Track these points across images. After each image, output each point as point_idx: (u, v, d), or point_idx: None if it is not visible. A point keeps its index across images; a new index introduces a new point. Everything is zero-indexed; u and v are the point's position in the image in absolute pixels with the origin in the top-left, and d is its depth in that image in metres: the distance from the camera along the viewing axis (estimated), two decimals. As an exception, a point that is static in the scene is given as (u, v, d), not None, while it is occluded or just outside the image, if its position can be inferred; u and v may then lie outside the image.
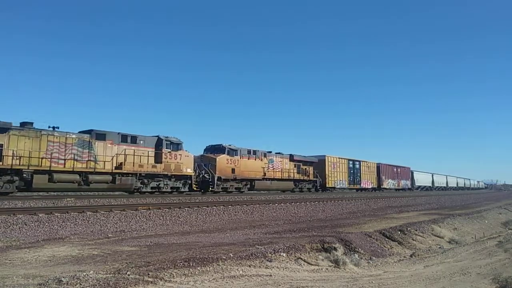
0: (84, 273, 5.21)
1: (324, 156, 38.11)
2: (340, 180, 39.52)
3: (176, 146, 23.50)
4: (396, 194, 40.03)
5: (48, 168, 18.15)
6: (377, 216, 17.49)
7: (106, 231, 11.12)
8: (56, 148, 19.18)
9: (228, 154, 27.75)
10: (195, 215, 14.78)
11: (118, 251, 7.41)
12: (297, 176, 33.79)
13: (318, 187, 36.16)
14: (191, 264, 6.07)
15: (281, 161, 32.75)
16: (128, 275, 5.29)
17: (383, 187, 49.14)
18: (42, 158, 18.12)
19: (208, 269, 6.02)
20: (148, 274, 5.37)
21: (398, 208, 23.19)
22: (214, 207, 16.61)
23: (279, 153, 33.00)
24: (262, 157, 30.40)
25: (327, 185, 37.27)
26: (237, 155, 28.23)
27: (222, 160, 27.10)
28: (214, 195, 24.10)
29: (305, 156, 36.13)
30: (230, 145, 28.08)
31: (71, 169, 19.11)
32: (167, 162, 22.78)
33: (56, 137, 19.22)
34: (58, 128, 20.30)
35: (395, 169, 54.47)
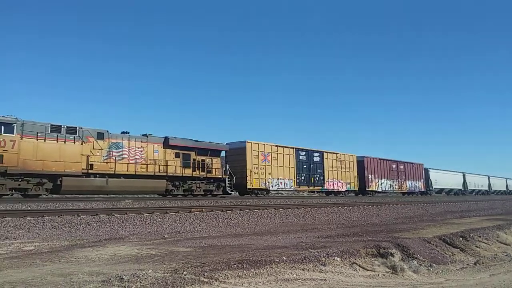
0: (144, 272, 5.37)
1: (245, 142, 27.67)
2: (278, 179, 29.04)
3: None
4: (455, 199, 37.79)
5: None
6: (436, 221, 16.67)
7: (162, 232, 11.47)
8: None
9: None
10: (247, 218, 14.95)
11: (174, 252, 7.60)
12: (179, 171, 23.38)
13: (228, 189, 25.61)
14: (244, 266, 6.09)
15: (142, 148, 22.26)
16: (185, 275, 5.40)
17: (370, 189, 38.10)
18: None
19: (261, 271, 6.01)
20: (204, 275, 5.45)
21: (459, 213, 21.97)
22: (266, 210, 16.73)
23: (145, 135, 23.06)
24: (88, 139, 20.16)
25: (248, 185, 27.16)
26: (11, 132, 17.81)
27: None
28: (267, 198, 24.39)
29: (197, 142, 24.79)
30: None
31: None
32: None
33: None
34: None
35: (394, 166, 42.03)
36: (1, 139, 17.41)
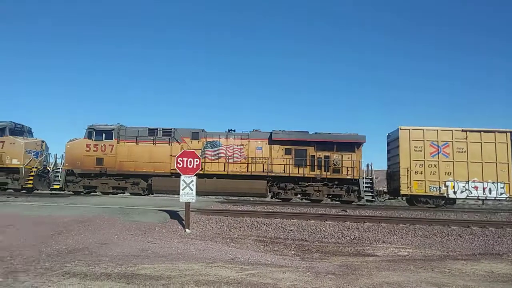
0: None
1: (398, 130, 18.94)
2: (469, 181, 17.97)
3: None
4: None
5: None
6: None
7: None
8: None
9: (89, 137, 19.70)
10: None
11: None
12: (288, 170, 18.79)
13: (365, 194, 18.32)
14: None
15: (242, 145, 19.25)
16: None
17: None
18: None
19: None
20: None
21: None
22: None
23: (231, 130, 19.69)
24: (171, 140, 19.26)
25: (403, 190, 18.25)
26: (109, 138, 19.45)
27: (75, 146, 19.75)
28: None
29: (316, 134, 19.35)
30: (96, 125, 19.91)
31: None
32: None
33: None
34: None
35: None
36: (102, 144, 19.36)
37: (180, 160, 10.39)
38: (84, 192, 19.93)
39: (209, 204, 15.05)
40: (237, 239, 9.90)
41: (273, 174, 18.79)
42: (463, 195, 18.16)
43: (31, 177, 20.30)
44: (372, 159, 72.37)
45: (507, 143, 18.30)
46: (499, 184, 17.97)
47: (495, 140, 18.31)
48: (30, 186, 20.26)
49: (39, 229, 8.67)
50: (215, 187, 18.78)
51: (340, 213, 13.96)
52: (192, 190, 10.19)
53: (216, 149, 19.27)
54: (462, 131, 18.52)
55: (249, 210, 14.26)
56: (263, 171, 18.85)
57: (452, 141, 18.42)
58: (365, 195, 18.40)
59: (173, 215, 11.56)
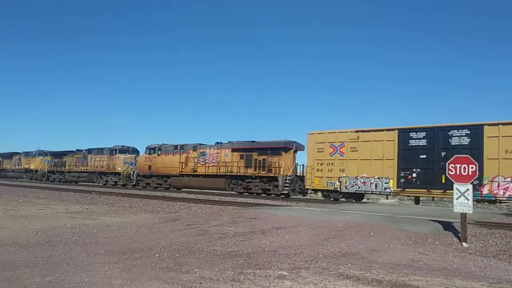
0: None
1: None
2: (357, 177, 20.31)
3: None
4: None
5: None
6: None
7: None
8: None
9: (146, 152, 32.14)
10: None
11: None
12: (242, 171, 25.33)
13: (282, 188, 23.01)
14: None
15: (217, 153, 27.24)
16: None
17: None
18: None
19: None
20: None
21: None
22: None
23: (218, 143, 27.82)
24: (183, 151, 29.35)
25: (308, 185, 22.34)
26: (154, 153, 31.25)
27: (141, 158, 32.79)
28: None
29: (254, 142, 26.13)
30: (150, 145, 32.31)
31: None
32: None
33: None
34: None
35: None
36: (152, 157, 31.26)
37: (452, 166, 9.46)
38: (144, 186, 32.02)
39: (489, 217, 13.57)
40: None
41: (230, 174, 26.00)
42: (353, 190, 20.60)
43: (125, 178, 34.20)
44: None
45: (394, 141, 19.68)
46: (383, 179, 19.81)
47: (383, 138, 20.04)
48: (124, 183, 34.18)
49: (316, 231, 9.22)
50: (200, 184, 27.63)
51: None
52: (468, 200, 9.17)
53: (204, 157, 27.88)
54: (356, 131, 20.91)
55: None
56: (226, 172, 26.19)
57: (347, 142, 21.07)
58: (283, 190, 23.13)
59: (446, 226, 10.70)
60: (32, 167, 45.30)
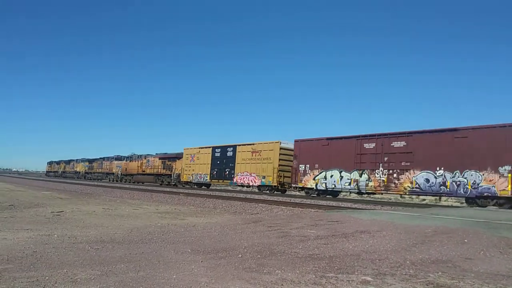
0: None
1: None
2: (198, 174, 36.03)
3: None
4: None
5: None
6: None
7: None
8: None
9: (125, 160, 52.10)
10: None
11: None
12: (162, 171, 42.76)
13: (168, 181, 41.50)
14: None
15: (153, 160, 45.02)
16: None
17: (301, 185, 25.57)
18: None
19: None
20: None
21: None
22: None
23: (157, 154, 46.43)
24: (141, 159, 47.77)
25: (182, 179, 38.49)
26: (126, 160, 51.43)
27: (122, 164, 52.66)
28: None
29: (165, 153, 44.32)
30: (127, 155, 52.14)
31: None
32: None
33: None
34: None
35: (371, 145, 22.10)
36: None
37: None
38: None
39: None
40: None
41: (153, 173, 44.06)
42: (196, 181, 37.34)
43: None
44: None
45: (211, 153, 34.62)
46: (206, 175, 35.29)
47: (206, 152, 35.50)
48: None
49: (403, 236, 8.82)
50: (145, 179, 45.52)
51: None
52: None
53: (148, 162, 46.46)
54: (198, 148, 37.01)
55: None
56: (154, 172, 44.24)
57: (196, 154, 36.69)
58: (174, 182, 40.31)
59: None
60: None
